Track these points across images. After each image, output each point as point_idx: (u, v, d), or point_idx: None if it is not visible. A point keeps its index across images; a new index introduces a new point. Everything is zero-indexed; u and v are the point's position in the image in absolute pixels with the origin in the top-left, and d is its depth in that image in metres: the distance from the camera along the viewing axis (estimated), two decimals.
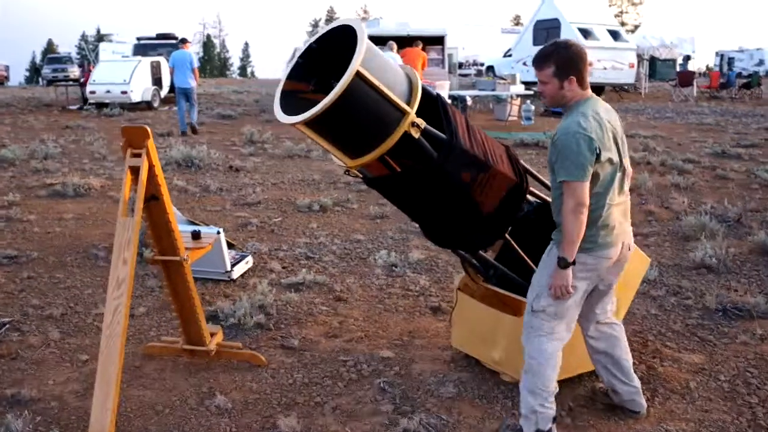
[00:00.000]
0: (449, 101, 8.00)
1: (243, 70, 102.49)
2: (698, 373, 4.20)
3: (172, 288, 4.02)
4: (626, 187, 3.38)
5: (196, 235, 4.25)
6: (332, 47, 3.29)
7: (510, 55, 29.03)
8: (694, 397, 3.93)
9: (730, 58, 51.19)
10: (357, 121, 3.12)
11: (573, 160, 3.07)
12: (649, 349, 4.52)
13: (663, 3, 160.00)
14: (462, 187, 3.39)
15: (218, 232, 5.58)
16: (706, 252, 6.15)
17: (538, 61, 3.26)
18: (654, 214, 7.87)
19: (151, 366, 4.25)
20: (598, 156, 3.09)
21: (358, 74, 2.96)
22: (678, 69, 35.26)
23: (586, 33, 24.34)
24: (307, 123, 3.07)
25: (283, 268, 6.13)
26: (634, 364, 3.82)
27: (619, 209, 3.33)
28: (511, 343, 3.94)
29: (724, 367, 4.28)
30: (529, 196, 3.85)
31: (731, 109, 21.25)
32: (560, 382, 3.54)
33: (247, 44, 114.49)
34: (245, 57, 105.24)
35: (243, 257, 5.95)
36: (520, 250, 3.87)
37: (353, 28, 3.12)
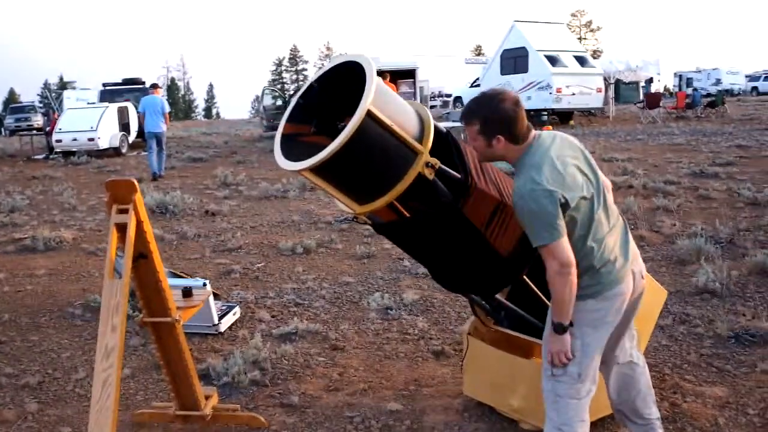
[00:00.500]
0: None
1: (208, 111, 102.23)
2: (725, 407, 3.99)
3: (162, 350, 3.72)
4: (613, 207, 3.05)
5: (187, 292, 3.95)
6: (334, 86, 3.06)
7: (478, 85, 29.17)
8: None
9: (688, 78, 52.24)
10: (367, 164, 2.88)
11: (540, 222, 2.75)
12: (668, 384, 4.30)
13: (620, 28, 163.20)
14: (479, 230, 3.15)
15: (204, 284, 5.28)
16: (708, 276, 5.98)
17: (464, 116, 2.96)
18: (645, 239, 7.71)
19: None
20: (566, 203, 2.77)
21: (369, 113, 2.73)
22: (641, 91, 35.79)
23: (553, 60, 24.55)
24: (314, 169, 2.82)
25: (273, 317, 5.83)
26: (656, 401, 3.54)
27: (613, 237, 2.98)
28: (531, 389, 3.70)
29: (750, 400, 4.07)
30: None
31: (699, 128, 21.39)
32: None
33: (211, 85, 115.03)
34: (210, 98, 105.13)
35: (230, 308, 5.65)
36: (536, 290, 3.63)
37: (359, 63, 2.89)
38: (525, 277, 3.57)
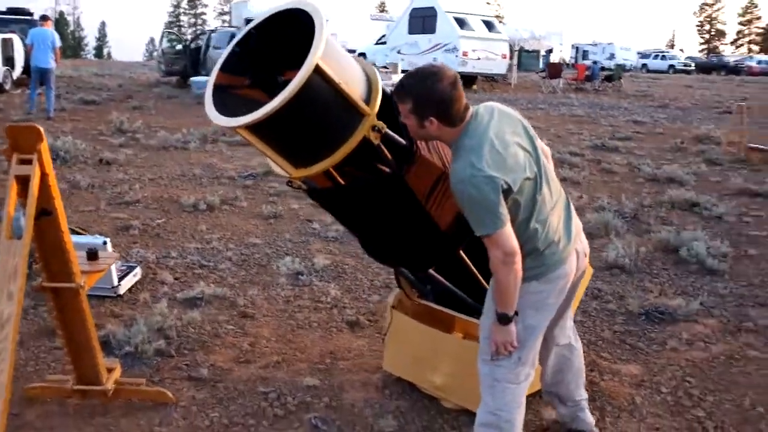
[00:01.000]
0: None
1: (99, 51, 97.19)
2: (640, 386, 4.01)
3: (62, 319, 3.37)
4: (554, 182, 2.88)
5: (92, 255, 3.58)
6: (274, 35, 2.78)
7: (384, 43, 28.88)
8: (642, 414, 3.73)
9: (584, 51, 53.69)
10: (310, 124, 2.63)
11: (481, 209, 2.56)
12: (585, 361, 4.26)
13: None
14: (419, 201, 2.97)
15: (105, 243, 4.92)
16: (618, 252, 6.04)
17: (396, 93, 2.69)
18: None
19: (33, 412, 3.55)
20: (509, 189, 2.59)
21: (316, 68, 2.47)
22: (541, 60, 36.48)
23: (461, 23, 24.52)
24: (251, 126, 2.55)
25: (176, 279, 5.49)
26: None
27: (556, 214, 2.83)
28: (454, 367, 3.61)
29: (663, 378, 4.11)
30: None
31: (597, 101, 21.93)
32: None
33: (103, 23, 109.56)
34: (102, 37, 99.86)
35: (130, 269, 5.28)
36: (472, 266, 3.49)
37: (306, 12, 2.62)
38: (461, 251, 3.42)
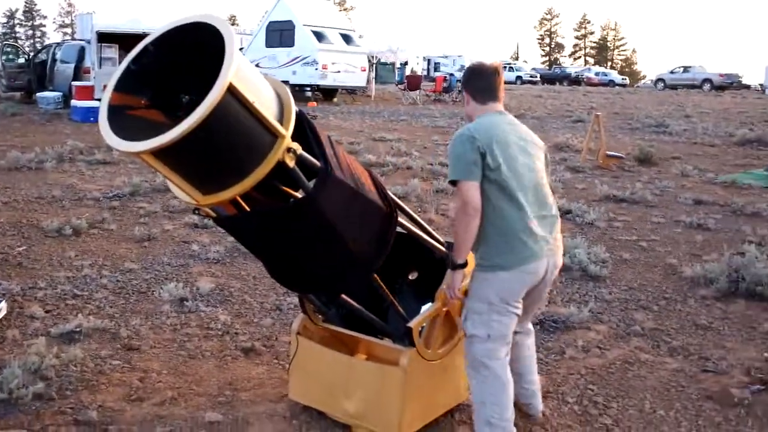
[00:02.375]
0: None
1: None
2: (546, 397, 4.02)
3: None
4: (550, 202, 3.30)
5: None
6: (173, 51, 2.55)
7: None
8: (554, 425, 3.74)
9: (436, 63, 55.23)
10: (222, 147, 2.43)
11: (457, 160, 3.05)
12: None
13: (371, 10, 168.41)
14: (334, 224, 2.82)
15: None
16: None
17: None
18: (434, 223, 7.80)
19: None
20: (485, 154, 3.03)
21: (230, 88, 2.28)
22: (396, 72, 37.16)
23: (319, 36, 24.50)
24: (156, 152, 2.31)
25: (47, 312, 5.03)
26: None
27: (540, 223, 3.18)
28: (369, 393, 3.47)
29: (566, 388, 4.16)
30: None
31: (457, 111, 22.48)
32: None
33: None
34: None
35: None
36: (386, 290, 3.37)
37: (212, 26, 2.42)
38: (377, 276, 3.30)
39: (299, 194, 2.86)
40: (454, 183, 3.10)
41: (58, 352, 4.25)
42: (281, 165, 2.54)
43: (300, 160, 2.61)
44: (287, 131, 2.54)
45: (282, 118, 2.59)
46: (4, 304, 4.89)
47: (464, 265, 3.11)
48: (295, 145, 2.55)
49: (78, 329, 4.64)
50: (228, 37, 2.35)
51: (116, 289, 5.57)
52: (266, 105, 2.50)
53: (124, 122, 2.44)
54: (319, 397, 3.69)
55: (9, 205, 8.16)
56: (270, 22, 25.74)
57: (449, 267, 3.17)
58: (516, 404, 3.61)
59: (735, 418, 3.82)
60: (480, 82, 3.31)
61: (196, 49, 2.51)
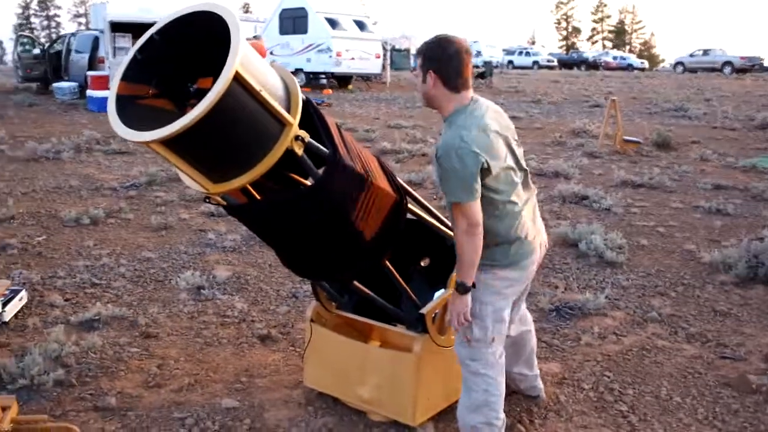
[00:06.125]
0: None
1: None
2: (562, 384, 4.03)
3: None
4: (531, 184, 3.17)
5: None
6: (180, 40, 2.55)
7: (256, 39, 28.35)
8: (569, 412, 3.73)
9: None
10: (230, 136, 2.43)
11: (459, 180, 2.77)
12: None
13: None
14: (343, 212, 2.83)
15: None
16: None
17: (417, 50, 3.06)
18: None
19: None
20: (488, 169, 2.80)
21: (236, 76, 2.28)
22: (411, 59, 36.98)
23: (333, 23, 24.43)
24: (165, 141, 2.32)
25: (67, 300, 5.09)
26: None
27: (528, 210, 3.08)
28: (383, 378, 3.48)
29: (582, 375, 4.15)
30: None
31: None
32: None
33: None
34: None
35: (15, 293, 4.83)
36: (398, 276, 3.37)
37: (217, 14, 2.41)
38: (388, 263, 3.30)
39: (309, 182, 2.86)
40: (453, 204, 2.83)
41: (77, 340, 4.30)
42: (290, 153, 2.54)
43: (308, 148, 2.62)
44: (295, 119, 2.54)
45: (289, 106, 2.59)
46: (24, 293, 4.95)
47: (474, 286, 2.92)
48: (303, 133, 2.56)
49: (97, 317, 4.69)
50: (233, 26, 2.35)
51: (134, 277, 5.62)
52: (273, 93, 2.50)
53: (132, 112, 2.45)
54: (333, 383, 3.71)
55: (28, 195, 8.23)
56: (283, 9, 25.67)
57: (458, 291, 2.92)
58: (521, 391, 3.77)
59: (753, 405, 3.79)
60: (453, 62, 2.84)
61: (202, 37, 2.51)
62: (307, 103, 2.75)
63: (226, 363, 4.23)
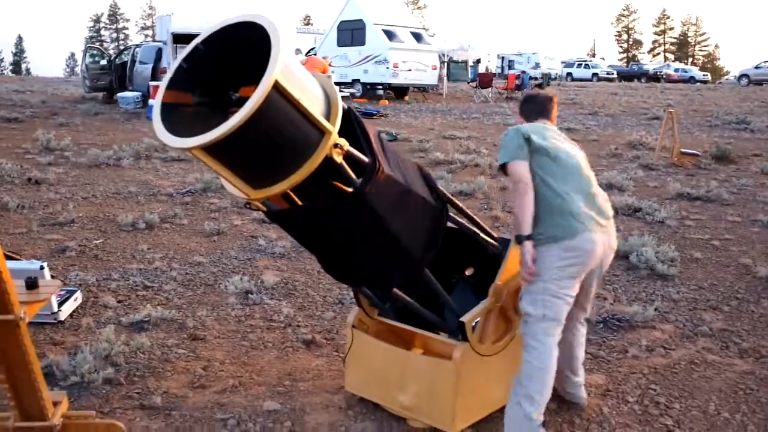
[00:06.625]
0: None
1: (17, 66, 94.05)
2: (606, 396, 3.97)
3: (1, 352, 3.12)
4: (595, 183, 3.45)
5: (31, 284, 3.33)
6: (223, 50, 2.62)
7: (314, 54, 28.70)
8: (612, 424, 3.68)
9: (510, 61, 54.51)
10: (270, 143, 2.48)
11: (505, 147, 3.32)
12: None
13: (445, 8, 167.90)
14: (382, 219, 2.85)
15: (42, 268, 4.65)
16: None
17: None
18: (500, 220, 7.73)
19: None
20: (529, 139, 3.28)
21: (276, 85, 2.33)
22: (469, 70, 36.89)
23: (390, 35, 24.58)
24: (206, 147, 2.39)
25: (119, 302, 5.23)
26: None
27: (586, 201, 3.31)
28: (423, 386, 3.49)
29: (627, 387, 4.09)
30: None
31: None
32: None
33: (20, 38, 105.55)
34: (19, 52, 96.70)
35: (70, 293, 4.99)
36: (437, 284, 3.38)
37: (258, 25, 2.47)
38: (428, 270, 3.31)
39: (350, 189, 2.90)
40: (504, 169, 3.33)
41: (127, 340, 4.42)
42: (330, 161, 2.58)
43: (348, 156, 2.65)
44: (334, 127, 2.58)
45: (329, 114, 2.63)
46: (79, 294, 5.10)
47: (530, 236, 3.17)
48: (342, 141, 2.59)
49: (147, 319, 4.81)
50: (274, 36, 2.40)
51: (185, 281, 5.74)
52: (313, 102, 2.54)
53: (177, 119, 2.52)
54: (374, 389, 3.73)
55: (88, 200, 8.49)
56: (341, 22, 25.95)
57: (517, 242, 3.23)
58: (561, 393, 3.77)
59: None
60: (531, 105, 3.69)
61: (245, 47, 2.57)
62: (348, 112, 2.79)
63: (270, 366, 4.29)
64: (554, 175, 3.28)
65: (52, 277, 5.05)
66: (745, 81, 43.53)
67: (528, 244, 3.19)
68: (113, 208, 8.11)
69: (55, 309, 4.70)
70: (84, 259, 6.21)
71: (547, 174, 3.27)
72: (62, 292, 4.95)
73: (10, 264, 3.68)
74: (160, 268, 6.00)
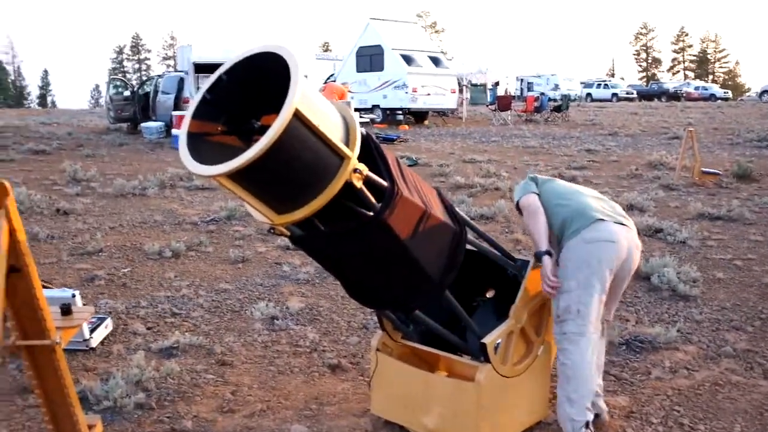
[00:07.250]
0: None
1: (43, 99, 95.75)
2: (630, 418, 4.00)
3: (37, 377, 3.21)
4: (614, 207, 3.70)
5: (66, 310, 3.45)
6: (246, 80, 2.74)
7: (334, 80, 29.01)
8: None
9: (529, 83, 54.62)
10: (292, 169, 2.58)
11: (518, 189, 3.74)
12: None
13: (463, 31, 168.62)
14: (402, 243, 2.94)
15: (73, 295, 4.77)
16: None
17: None
18: (521, 243, 7.80)
19: None
20: (535, 178, 3.75)
21: (296, 113, 2.44)
22: (488, 93, 37.04)
23: (408, 59, 24.82)
24: (231, 174, 2.49)
25: (149, 329, 5.35)
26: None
27: (597, 201, 3.63)
28: (446, 408, 3.55)
29: (651, 409, 4.11)
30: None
31: (548, 131, 22.31)
32: None
33: (46, 72, 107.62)
34: (45, 86, 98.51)
35: (101, 320, 5.12)
36: (458, 306, 3.46)
37: (278, 55, 2.58)
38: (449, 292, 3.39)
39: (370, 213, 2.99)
40: (518, 208, 3.68)
41: (157, 366, 4.52)
42: (350, 185, 2.67)
43: (367, 181, 2.74)
44: (353, 152, 2.67)
45: (348, 140, 2.73)
46: (109, 321, 5.23)
47: (548, 252, 3.43)
48: (362, 166, 2.68)
49: (176, 345, 4.92)
50: (293, 66, 2.50)
51: (211, 308, 5.85)
52: (331, 128, 2.64)
53: (202, 148, 2.62)
54: (399, 411, 3.80)
55: (115, 229, 8.65)
56: (360, 47, 26.26)
57: (537, 259, 3.48)
58: None
59: None
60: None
61: (266, 76, 2.68)
62: (366, 138, 2.89)
63: (297, 390, 4.37)
64: (562, 195, 3.64)
65: (84, 304, 5.17)
66: (766, 97, 43.30)
67: (546, 259, 3.43)
68: (140, 236, 8.26)
69: (87, 336, 4.82)
70: (113, 288, 6.35)
71: (556, 196, 3.62)
72: (93, 320, 5.07)
73: (44, 292, 3.82)
74: (187, 296, 6.12)
